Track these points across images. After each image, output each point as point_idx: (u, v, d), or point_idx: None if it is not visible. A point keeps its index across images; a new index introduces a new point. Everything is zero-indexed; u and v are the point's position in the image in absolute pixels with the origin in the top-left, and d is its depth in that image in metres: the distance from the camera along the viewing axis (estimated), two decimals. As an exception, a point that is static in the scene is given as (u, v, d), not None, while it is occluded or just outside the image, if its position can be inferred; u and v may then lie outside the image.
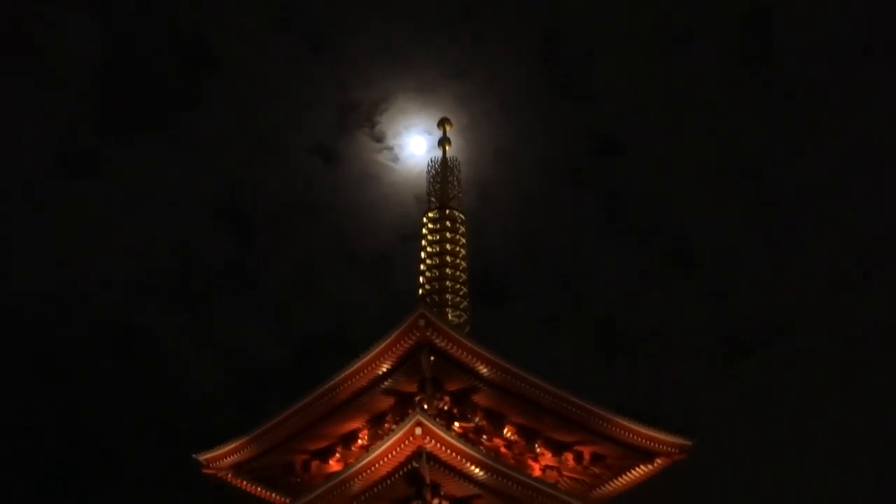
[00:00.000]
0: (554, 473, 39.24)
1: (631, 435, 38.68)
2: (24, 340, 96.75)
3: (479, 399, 37.61)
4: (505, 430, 38.62)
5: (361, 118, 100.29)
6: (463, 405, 37.55)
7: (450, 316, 41.67)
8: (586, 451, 39.61)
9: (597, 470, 40.13)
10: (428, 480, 32.35)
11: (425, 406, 34.74)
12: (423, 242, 44.94)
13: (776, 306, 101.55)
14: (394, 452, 32.17)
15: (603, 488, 40.61)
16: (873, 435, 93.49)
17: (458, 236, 44.99)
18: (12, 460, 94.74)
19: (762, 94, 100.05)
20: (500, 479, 33.43)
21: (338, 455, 39.42)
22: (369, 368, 36.30)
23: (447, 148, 47.82)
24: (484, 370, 36.39)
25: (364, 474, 33.03)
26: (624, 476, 40.24)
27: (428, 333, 34.85)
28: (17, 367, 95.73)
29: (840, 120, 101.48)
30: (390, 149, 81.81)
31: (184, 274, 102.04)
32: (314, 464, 39.99)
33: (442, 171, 46.75)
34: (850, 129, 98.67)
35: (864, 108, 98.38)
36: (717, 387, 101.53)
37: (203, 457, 39.82)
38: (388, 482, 33.01)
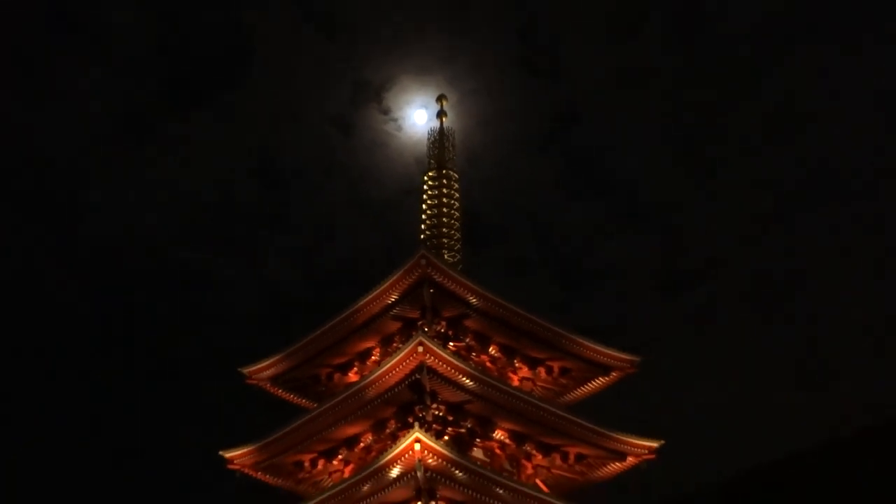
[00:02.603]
0: (529, 383, 39.49)
1: (592, 352, 38.84)
2: (95, 273, 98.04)
3: (470, 323, 37.77)
4: (490, 349, 38.77)
5: (371, 95, 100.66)
6: (456, 328, 37.74)
7: (446, 256, 41.68)
8: (556, 366, 39.71)
9: (564, 381, 40.19)
10: (428, 389, 32.63)
11: (426, 329, 34.84)
12: (424, 196, 44.50)
13: (706, 248, 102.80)
14: (401, 366, 32.47)
15: (569, 395, 40.66)
16: (785, 355, 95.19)
17: (452, 192, 44.69)
18: (85, 365, 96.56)
19: (699, 73, 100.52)
20: (486, 387, 33.84)
21: (355, 368, 39.51)
22: (380, 298, 36.47)
23: (444, 119, 47.04)
24: (474, 300, 36.54)
25: (377, 384, 33.34)
26: (586, 386, 40.36)
27: (428, 270, 35.02)
28: (89, 296, 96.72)
29: (765, 89, 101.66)
30: (395, 120, 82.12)
31: (227, 220, 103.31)
32: (336, 375, 40.05)
33: (440, 139, 46.03)
34: (773, 98, 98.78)
35: (785, 77, 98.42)
36: (661, 314, 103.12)
37: (246, 370, 39.98)
38: (396, 390, 33.29)
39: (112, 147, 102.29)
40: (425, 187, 44.68)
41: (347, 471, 36.19)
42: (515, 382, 38.45)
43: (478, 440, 35.31)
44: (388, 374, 32.82)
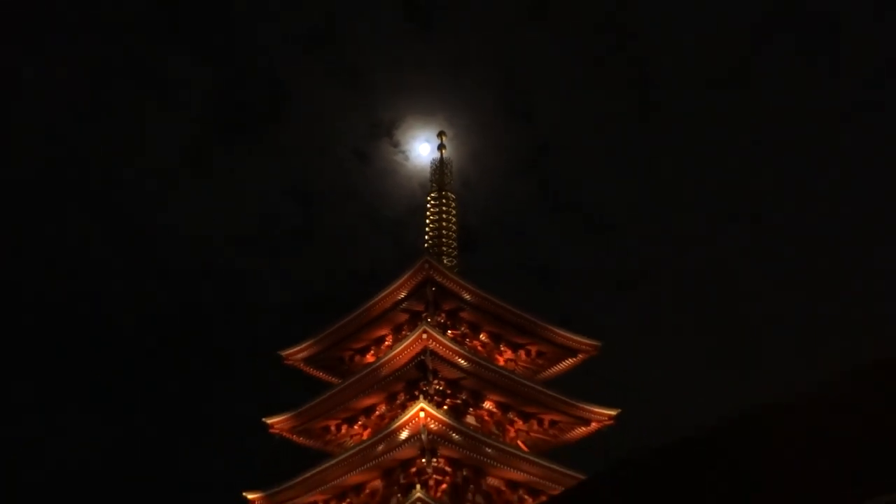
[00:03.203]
0: (512, 363, 41.36)
1: (562, 338, 41.03)
2: (161, 272, 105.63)
3: (464, 315, 39.91)
4: (481, 335, 40.71)
5: (384, 131, 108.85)
6: (454, 319, 39.65)
7: (445, 261, 42.76)
8: (533, 349, 41.60)
9: (540, 361, 42.10)
10: (431, 367, 34.76)
11: (429, 320, 36.59)
12: (427, 213, 46.24)
13: (649, 255, 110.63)
14: (409, 350, 34.82)
15: (545, 373, 42.51)
16: (711, 347, 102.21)
17: (450, 209, 46.24)
18: (146, 350, 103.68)
19: (655, 111, 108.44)
20: (477, 366, 36.26)
21: (372, 351, 41.50)
22: (392, 295, 38.81)
23: (443, 151, 48.82)
24: (468, 296, 39.05)
25: (389, 364, 35.82)
26: (558, 365, 42.23)
27: (431, 272, 37.53)
28: (156, 291, 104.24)
29: (699, 126, 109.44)
30: (403, 152, 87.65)
31: (265, 232, 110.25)
32: (356, 357, 42.05)
33: (440, 167, 47.83)
34: (708, 134, 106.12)
35: (720, 116, 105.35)
36: (615, 308, 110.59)
37: (284, 352, 42.25)
38: (405, 369, 35.65)
39: (172, 173, 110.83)
40: (428, 206, 46.65)
41: (365, 434, 38.24)
42: (501, 362, 40.37)
43: (470, 409, 37.46)
44: (398, 356, 35.21)
